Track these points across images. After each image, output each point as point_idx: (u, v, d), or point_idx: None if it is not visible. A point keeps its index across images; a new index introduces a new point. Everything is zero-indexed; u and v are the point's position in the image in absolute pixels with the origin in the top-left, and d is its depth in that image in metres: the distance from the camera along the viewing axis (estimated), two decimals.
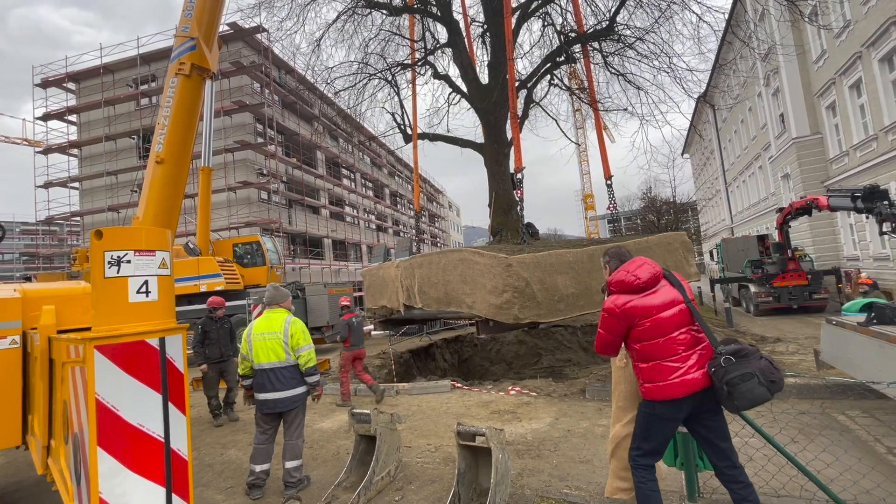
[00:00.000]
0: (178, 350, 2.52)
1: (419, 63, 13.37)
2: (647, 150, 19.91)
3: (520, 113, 11.83)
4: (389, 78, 13.26)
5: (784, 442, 3.29)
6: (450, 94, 14.03)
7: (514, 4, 11.65)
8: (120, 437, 2.28)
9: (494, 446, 3.31)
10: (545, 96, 14.51)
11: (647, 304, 2.59)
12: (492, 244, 10.91)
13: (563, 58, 12.25)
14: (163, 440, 2.40)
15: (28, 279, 17.38)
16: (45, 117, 25.92)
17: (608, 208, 11.61)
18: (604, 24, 11.77)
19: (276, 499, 3.94)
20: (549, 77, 13.56)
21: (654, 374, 2.55)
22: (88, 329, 2.59)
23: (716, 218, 37.89)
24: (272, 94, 24.73)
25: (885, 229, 7.46)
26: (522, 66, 13.87)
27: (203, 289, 12.96)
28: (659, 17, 10.87)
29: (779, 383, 2.39)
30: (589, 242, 8.69)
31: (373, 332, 16.28)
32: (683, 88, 11.24)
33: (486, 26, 13.13)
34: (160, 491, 2.36)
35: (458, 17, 13.40)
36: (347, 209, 33.31)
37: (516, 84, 10.77)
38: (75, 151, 26.27)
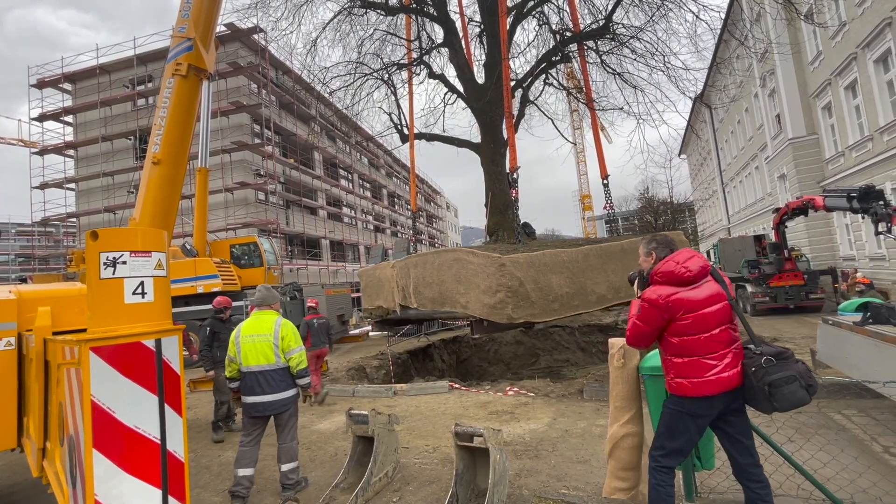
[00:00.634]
0: (174, 351, 2.52)
1: (415, 63, 13.38)
2: (643, 150, 20.10)
3: (515, 112, 11.84)
4: (385, 78, 13.28)
5: (781, 441, 3.29)
6: (446, 93, 14.06)
7: (509, 4, 11.65)
8: (116, 439, 2.27)
9: (492, 447, 3.31)
10: (541, 95, 14.56)
11: (692, 298, 2.49)
12: (488, 244, 10.91)
13: (558, 57, 12.28)
14: (159, 442, 2.39)
15: (24, 280, 17.28)
16: (41, 118, 25.81)
17: (605, 208, 11.62)
18: (600, 23, 11.80)
19: (274, 500, 3.93)
20: (544, 76, 13.59)
21: (689, 370, 2.47)
22: (84, 331, 2.58)
23: (713, 218, 37.97)
24: (269, 95, 24.69)
25: (880, 229, 7.49)
26: (518, 66, 13.85)
27: (200, 290, 12.91)
28: (653, 15, 10.90)
29: (815, 387, 2.35)
30: (584, 242, 8.64)
31: (370, 333, 16.28)
32: (678, 87, 11.32)
33: (482, 26, 13.15)
34: (156, 493, 2.35)
35: (455, 16, 13.42)
36: (345, 210, 33.30)
37: (512, 83, 10.78)
38: (71, 152, 26.15)
